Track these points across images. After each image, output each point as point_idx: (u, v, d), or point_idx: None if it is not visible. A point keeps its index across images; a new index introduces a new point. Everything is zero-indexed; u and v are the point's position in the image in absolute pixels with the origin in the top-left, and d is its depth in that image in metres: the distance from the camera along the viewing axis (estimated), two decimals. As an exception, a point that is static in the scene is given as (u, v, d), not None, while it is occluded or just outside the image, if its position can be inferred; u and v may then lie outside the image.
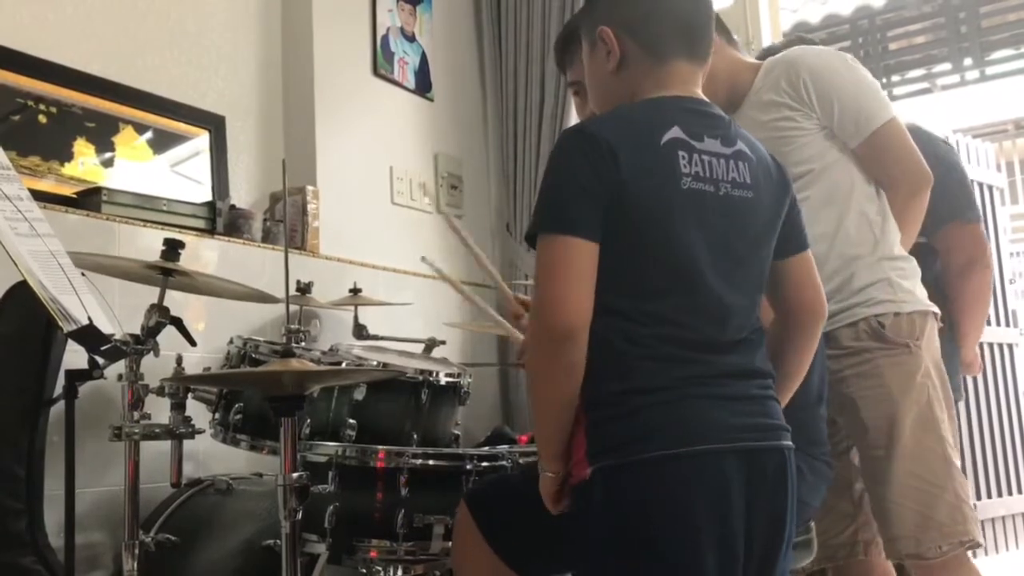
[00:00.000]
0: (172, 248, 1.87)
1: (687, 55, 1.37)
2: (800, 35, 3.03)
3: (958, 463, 1.84)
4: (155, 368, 1.86)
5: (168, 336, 1.85)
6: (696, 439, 1.20)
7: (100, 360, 1.63)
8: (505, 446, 2.31)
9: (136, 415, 1.81)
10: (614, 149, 1.24)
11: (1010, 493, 3.85)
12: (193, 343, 1.90)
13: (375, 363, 2.11)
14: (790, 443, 1.30)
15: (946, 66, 3.71)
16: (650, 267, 1.26)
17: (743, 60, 2.03)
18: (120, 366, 1.79)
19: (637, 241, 1.26)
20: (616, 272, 1.24)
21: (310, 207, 2.85)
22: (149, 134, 2.65)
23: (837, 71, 1.91)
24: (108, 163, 2.53)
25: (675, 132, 1.28)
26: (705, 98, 1.39)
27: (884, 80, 4.28)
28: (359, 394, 2.01)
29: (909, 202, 1.93)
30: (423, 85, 3.44)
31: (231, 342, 2.19)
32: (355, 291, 2.65)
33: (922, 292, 1.91)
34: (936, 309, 1.91)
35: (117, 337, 1.63)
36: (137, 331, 1.81)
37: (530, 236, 1.29)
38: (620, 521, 1.20)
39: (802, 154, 1.90)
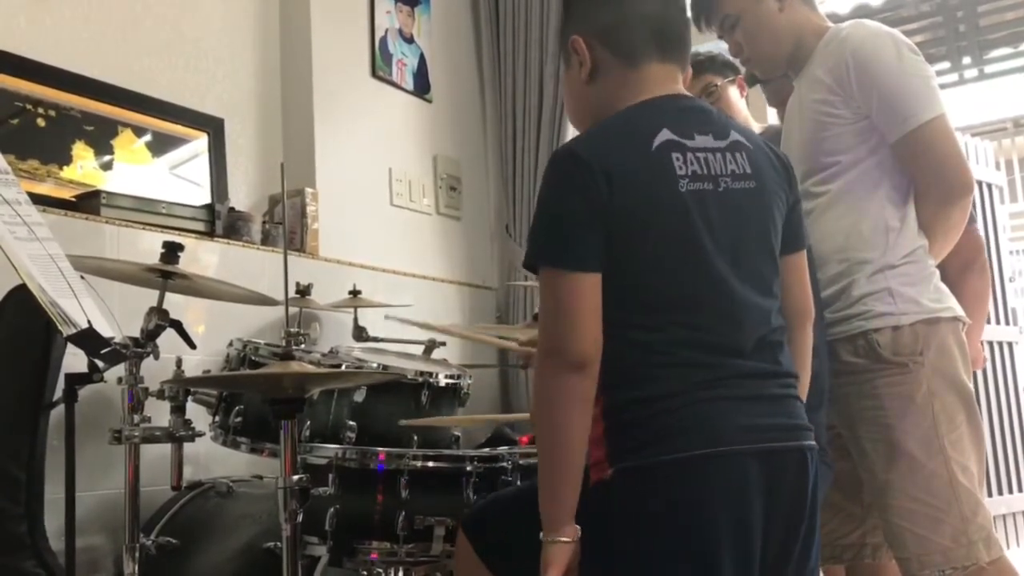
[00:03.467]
0: (171, 251, 1.87)
1: (660, 58, 1.36)
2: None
3: (972, 481, 1.73)
4: (155, 371, 1.86)
5: (168, 339, 1.85)
6: (716, 440, 1.19)
7: (100, 363, 1.63)
8: (505, 447, 2.31)
9: (136, 418, 1.81)
10: (606, 169, 1.23)
11: (1011, 491, 3.84)
12: (193, 346, 1.90)
13: (375, 365, 2.11)
14: (812, 443, 1.29)
15: (944, 65, 3.70)
16: (660, 277, 1.25)
17: (813, 21, 1.91)
18: (120, 369, 1.79)
19: (644, 253, 1.25)
20: (627, 287, 1.24)
21: (309, 209, 2.85)
22: (148, 137, 2.66)
23: (884, 58, 1.78)
24: (107, 166, 2.53)
25: (665, 135, 1.27)
26: (689, 93, 1.38)
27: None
28: (359, 396, 2.02)
29: (939, 211, 1.80)
30: (422, 87, 3.44)
31: (231, 345, 2.19)
32: (355, 293, 2.65)
33: (933, 296, 1.78)
34: (955, 312, 1.79)
35: (117, 340, 1.63)
36: (137, 334, 1.81)
37: (529, 264, 1.28)
38: (639, 521, 1.20)
39: (833, 144, 1.82)
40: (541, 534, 1.24)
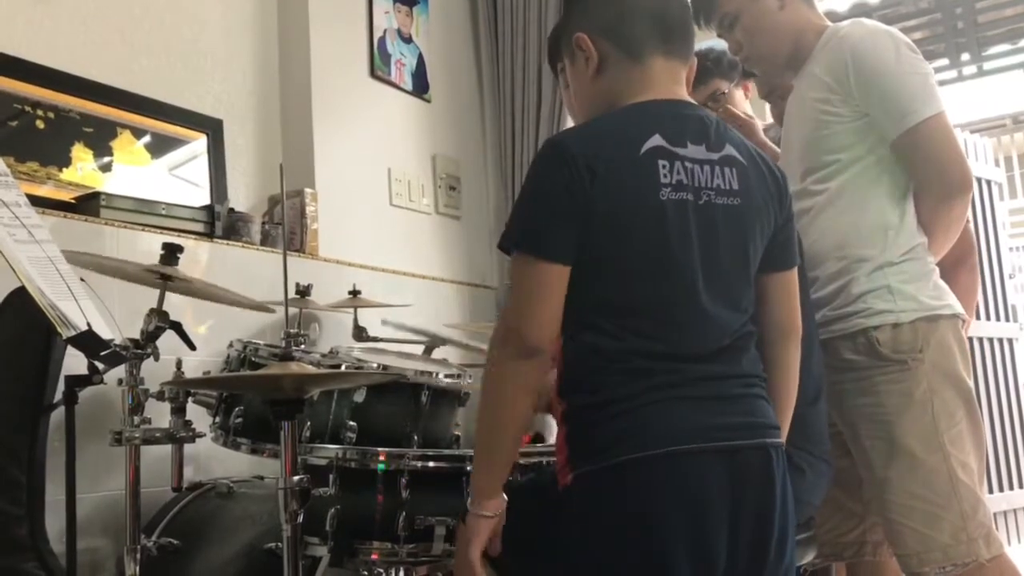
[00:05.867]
0: (171, 252, 1.87)
1: (664, 53, 1.36)
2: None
3: (972, 478, 1.73)
4: (155, 372, 1.86)
5: (168, 340, 1.85)
6: (671, 440, 1.20)
7: (100, 365, 1.63)
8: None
9: (136, 419, 1.81)
10: (591, 165, 1.23)
11: (1011, 487, 3.85)
12: (193, 347, 1.90)
13: (375, 365, 2.11)
14: (777, 440, 1.29)
15: (943, 62, 3.71)
16: (627, 282, 1.25)
17: (812, 20, 1.92)
18: (120, 371, 1.79)
19: (615, 256, 1.25)
20: (591, 287, 1.25)
21: (308, 210, 2.85)
22: (147, 138, 2.66)
23: (882, 56, 1.78)
24: (106, 168, 2.53)
25: (655, 140, 1.27)
26: (690, 100, 1.38)
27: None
28: (359, 396, 2.01)
29: (939, 208, 1.81)
30: (420, 86, 3.44)
31: (231, 345, 2.19)
32: (354, 293, 2.65)
33: (932, 293, 1.79)
34: (955, 309, 1.80)
35: (116, 342, 1.63)
36: (137, 336, 1.81)
37: (503, 246, 1.29)
38: (596, 526, 1.21)
39: (832, 143, 1.83)
40: (468, 503, 1.30)
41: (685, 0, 1.41)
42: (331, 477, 1.79)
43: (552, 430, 2.47)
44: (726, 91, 2.43)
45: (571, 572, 1.24)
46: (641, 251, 1.25)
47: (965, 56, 3.68)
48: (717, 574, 1.21)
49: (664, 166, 1.26)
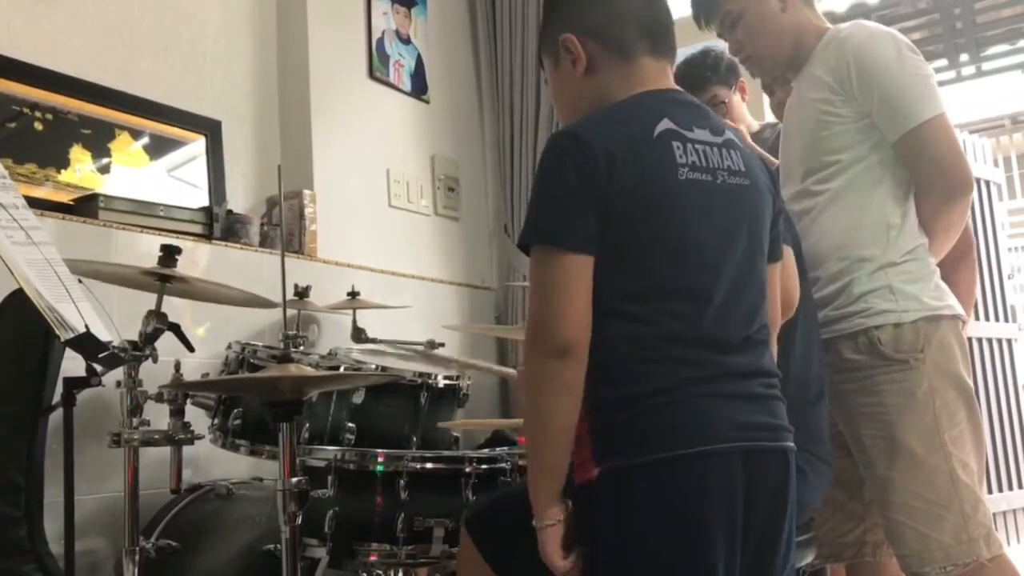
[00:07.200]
0: (169, 254, 1.87)
1: (651, 52, 1.37)
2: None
3: (973, 478, 1.73)
4: (154, 374, 1.86)
5: (166, 342, 1.85)
6: (707, 438, 1.19)
7: (98, 367, 1.63)
8: (504, 448, 2.31)
9: (135, 421, 1.81)
10: (607, 150, 1.23)
11: (1011, 488, 3.85)
12: (191, 349, 1.90)
13: (373, 367, 2.11)
14: (792, 444, 1.29)
15: (942, 62, 3.70)
16: (652, 265, 1.24)
17: (812, 21, 1.93)
18: (119, 373, 1.78)
19: (638, 240, 1.24)
20: (619, 274, 1.23)
21: (307, 211, 2.85)
22: (145, 140, 2.66)
23: (884, 58, 1.79)
24: (105, 169, 2.53)
25: (666, 123, 1.28)
26: (683, 90, 1.40)
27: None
28: (358, 398, 2.02)
29: (940, 209, 1.81)
30: (419, 87, 3.44)
31: (229, 347, 2.19)
32: (353, 294, 2.65)
33: (934, 294, 1.79)
34: (956, 310, 1.80)
35: (115, 344, 1.63)
36: (135, 337, 1.81)
37: (523, 244, 1.27)
38: (630, 521, 1.19)
39: (833, 143, 1.83)
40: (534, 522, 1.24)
41: (667, 6, 1.43)
42: (330, 479, 1.79)
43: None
44: (725, 99, 2.42)
45: (601, 569, 1.21)
46: (664, 230, 1.24)
47: (964, 57, 3.67)
48: (737, 570, 1.20)
49: (678, 147, 1.27)
